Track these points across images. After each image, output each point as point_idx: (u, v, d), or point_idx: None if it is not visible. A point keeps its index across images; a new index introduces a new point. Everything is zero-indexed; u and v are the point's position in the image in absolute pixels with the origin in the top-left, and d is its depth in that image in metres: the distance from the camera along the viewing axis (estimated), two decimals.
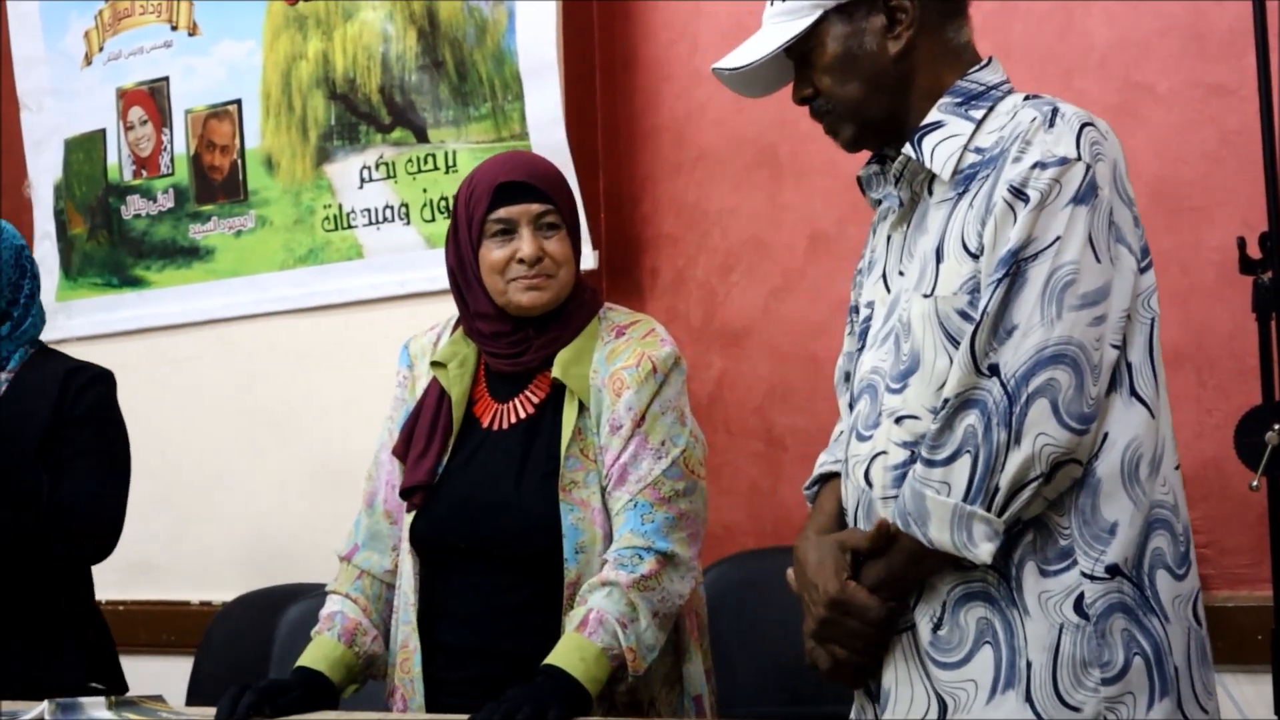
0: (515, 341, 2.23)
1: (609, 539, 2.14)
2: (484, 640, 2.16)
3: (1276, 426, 2.37)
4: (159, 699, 2.30)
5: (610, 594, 2.05)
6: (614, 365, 2.19)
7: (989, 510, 1.65)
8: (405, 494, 2.24)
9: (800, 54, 1.87)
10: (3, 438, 2.55)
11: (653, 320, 2.29)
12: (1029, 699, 1.66)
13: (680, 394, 2.22)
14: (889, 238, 1.90)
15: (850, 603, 1.74)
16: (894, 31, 1.81)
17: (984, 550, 1.66)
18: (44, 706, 2.14)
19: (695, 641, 2.22)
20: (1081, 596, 1.67)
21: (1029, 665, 1.67)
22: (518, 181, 2.21)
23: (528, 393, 2.22)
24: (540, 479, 2.16)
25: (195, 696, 3.22)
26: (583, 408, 2.18)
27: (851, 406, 1.87)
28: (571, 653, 2.01)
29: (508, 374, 2.24)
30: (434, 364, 2.28)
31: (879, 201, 1.93)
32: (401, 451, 2.27)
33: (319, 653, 2.22)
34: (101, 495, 2.62)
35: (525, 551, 2.14)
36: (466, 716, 1.95)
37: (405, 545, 2.24)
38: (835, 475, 1.91)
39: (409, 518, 2.24)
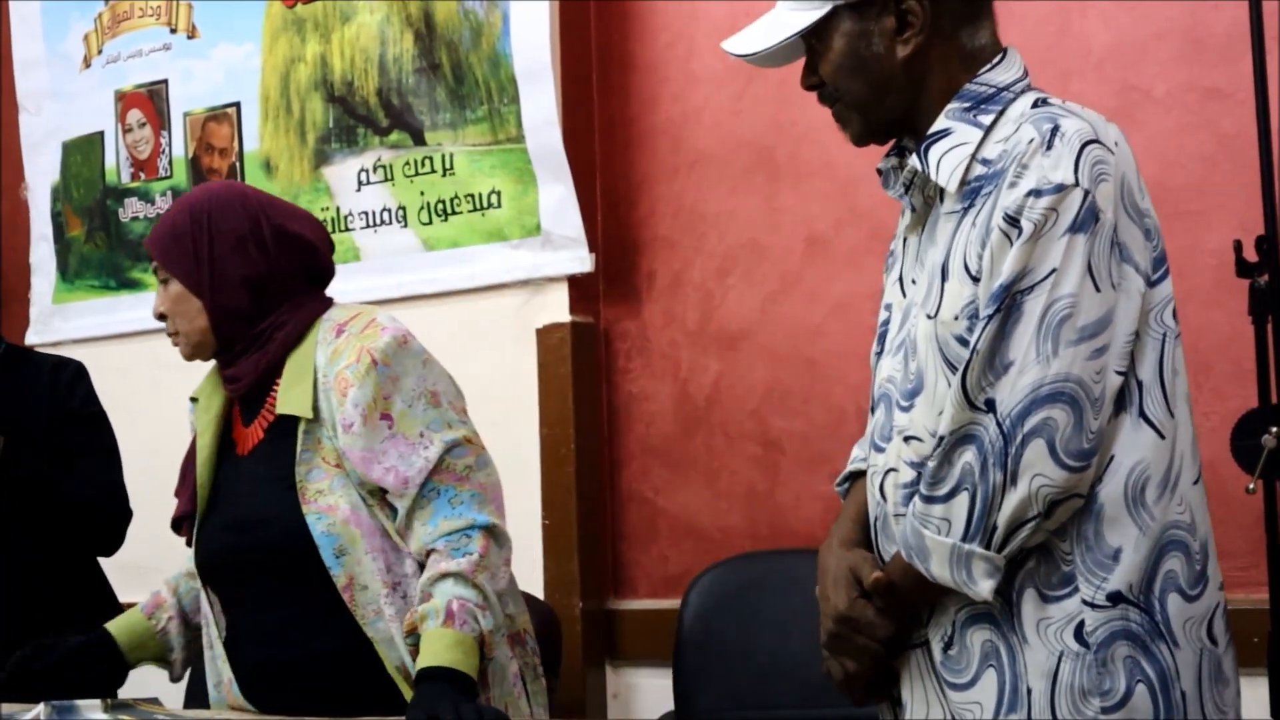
0: (224, 365, 2.26)
1: (378, 535, 2.12)
2: (284, 652, 2.17)
3: (1273, 429, 2.36)
4: (155, 701, 2.30)
5: (459, 583, 2.04)
6: (337, 365, 2.15)
7: (988, 548, 1.63)
8: (174, 526, 2.31)
9: (810, 40, 1.82)
10: (8, 439, 2.56)
11: (374, 310, 2.24)
12: None
13: (422, 378, 2.14)
14: (905, 239, 1.86)
15: (858, 620, 1.74)
16: (903, 35, 1.76)
17: (984, 587, 1.64)
18: (40, 708, 2.14)
19: None
20: (1082, 624, 1.64)
21: (1029, 691, 1.65)
22: None
23: (260, 419, 2.23)
24: (284, 492, 2.15)
25: (192, 699, 3.22)
26: (316, 417, 2.15)
27: (873, 409, 1.85)
28: (454, 648, 2.00)
29: (246, 398, 2.25)
30: (191, 398, 2.34)
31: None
32: (179, 490, 2.32)
33: (121, 620, 2.39)
34: (115, 487, 2.75)
35: (288, 563, 2.14)
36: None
37: (199, 584, 2.31)
38: (864, 473, 1.88)
39: (190, 554, 2.31)
